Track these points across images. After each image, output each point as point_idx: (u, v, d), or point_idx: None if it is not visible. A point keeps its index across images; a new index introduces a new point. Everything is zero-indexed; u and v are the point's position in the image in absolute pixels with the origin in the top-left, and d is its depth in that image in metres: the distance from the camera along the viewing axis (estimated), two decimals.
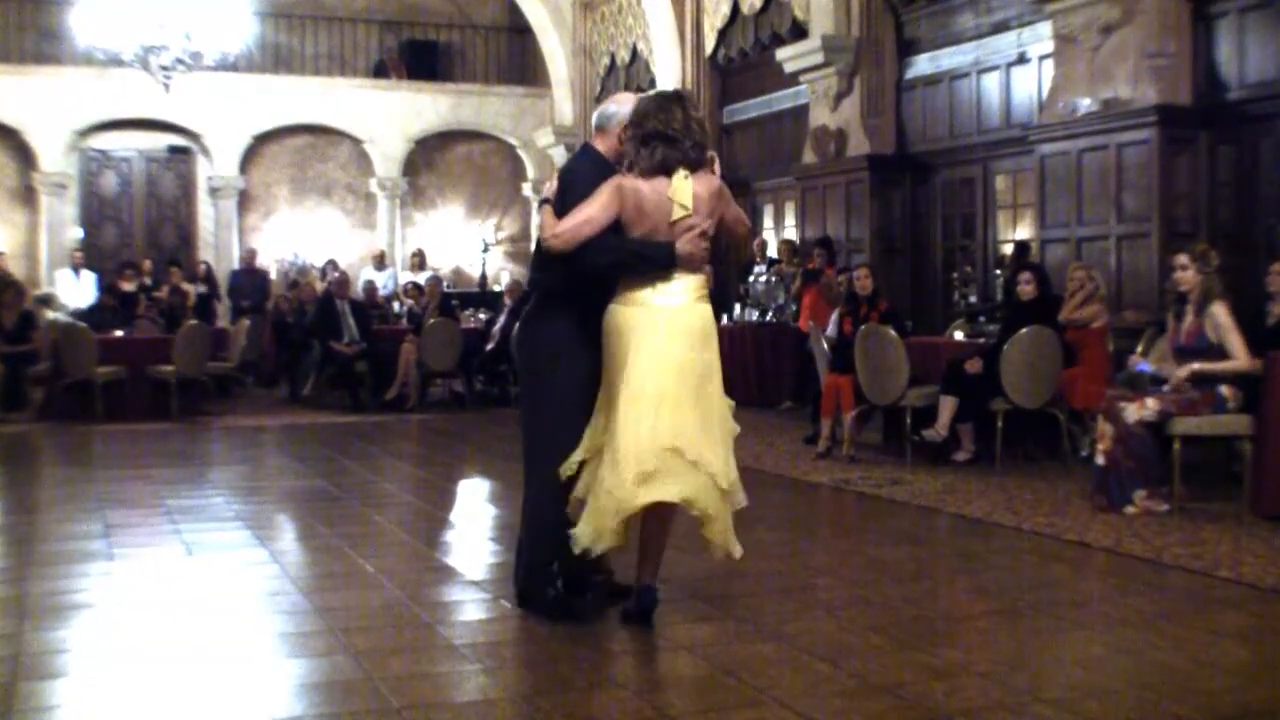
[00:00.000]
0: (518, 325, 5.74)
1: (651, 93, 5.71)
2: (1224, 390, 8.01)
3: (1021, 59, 13.53)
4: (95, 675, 4.82)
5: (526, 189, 24.13)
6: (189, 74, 16.40)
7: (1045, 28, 12.70)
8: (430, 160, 24.08)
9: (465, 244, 23.92)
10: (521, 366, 5.70)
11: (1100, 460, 8.16)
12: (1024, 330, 9.74)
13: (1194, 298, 8.13)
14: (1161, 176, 11.21)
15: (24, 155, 21.55)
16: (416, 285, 18.33)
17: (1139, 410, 8.01)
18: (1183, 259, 8.23)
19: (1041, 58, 13.09)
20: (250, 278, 20.65)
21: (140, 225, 22.74)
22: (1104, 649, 5.16)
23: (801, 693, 4.52)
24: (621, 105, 5.59)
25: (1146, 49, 11.32)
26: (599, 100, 22.01)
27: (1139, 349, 10.06)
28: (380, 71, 23.87)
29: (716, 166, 5.62)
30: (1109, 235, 11.64)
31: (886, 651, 5.06)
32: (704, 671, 4.86)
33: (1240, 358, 7.96)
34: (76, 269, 19.63)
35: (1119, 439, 8.05)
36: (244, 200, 22.93)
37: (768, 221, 18.58)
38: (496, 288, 21.61)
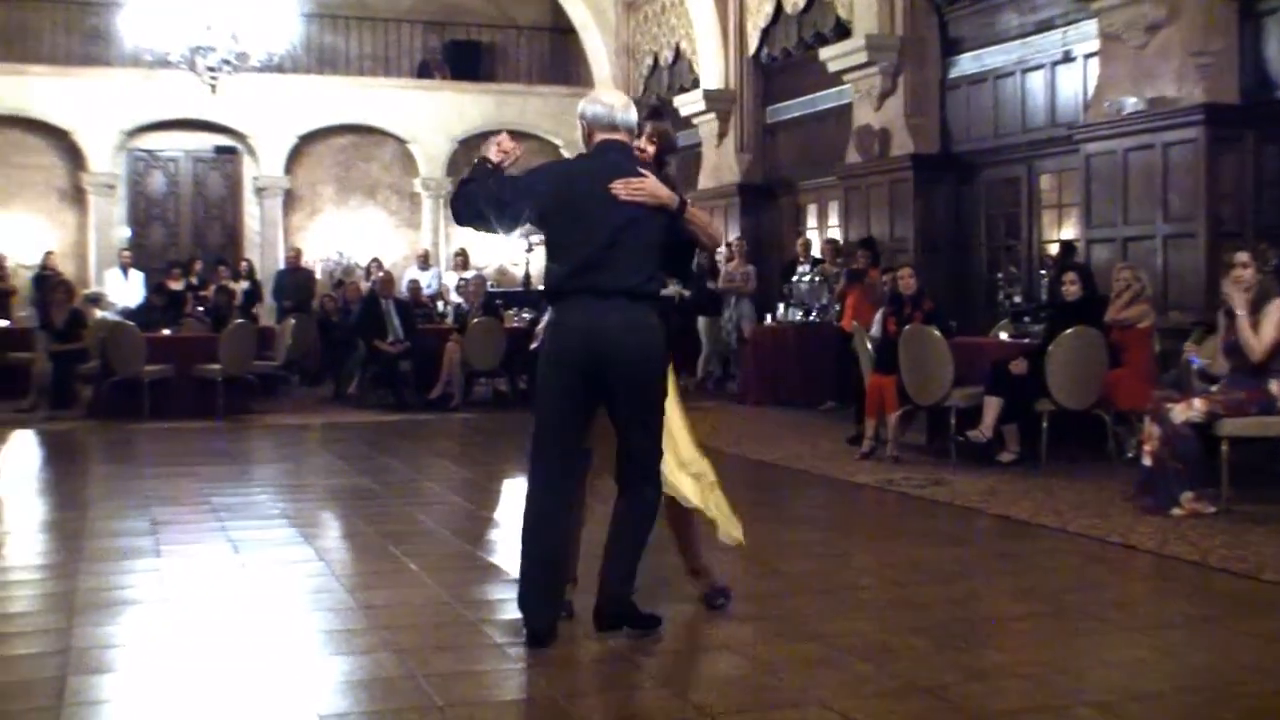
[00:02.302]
0: (625, 323, 5.18)
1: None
2: (1274, 388, 7.95)
3: (1066, 57, 13.44)
4: (143, 670, 4.87)
5: None
6: (235, 74, 16.49)
7: (1090, 26, 12.62)
8: (473, 160, 24.03)
9: (509, 243, 23.97)
10: (656, 374, 5.31)
11: (1146, 461, 8.11)
12: (1069, 331, 9.70)
13: (1250, 296, 8.07)
14: (1208, 176, 11.13)
15: (73, 156, 21.76)
16: (468, 281, 18.37)
17: (1186, 411, 7.96)
18: (1243, 256, 8.16)
19: (1086, 56, 13.01)
20: (295, 277, 20.77)
21: (187, 225, 22.94)
22: (1148, 652, 5.13)
23: (843, 693, 4.52)
24: None
25: (1192, 47, 11.24)
26: (641, 101, 22.06)
27: (1191, 339, 9.99)
28: (424, 72, 23.96)
29: None
30: (1155, 235, 11.56)
31: (928, 652, 5.06)
32: (745, 671, 4.87)
33: (1256, 348, 7.93)
34: (125, 268, 19.81)
35: (1165, 440, 7.99)
36: (289, 200, 23.08)
37: (811, 221, 18.52)
38: (540, 287, 21.61)
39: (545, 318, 5.70)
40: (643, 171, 5.33)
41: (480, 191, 5.35)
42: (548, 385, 5.26)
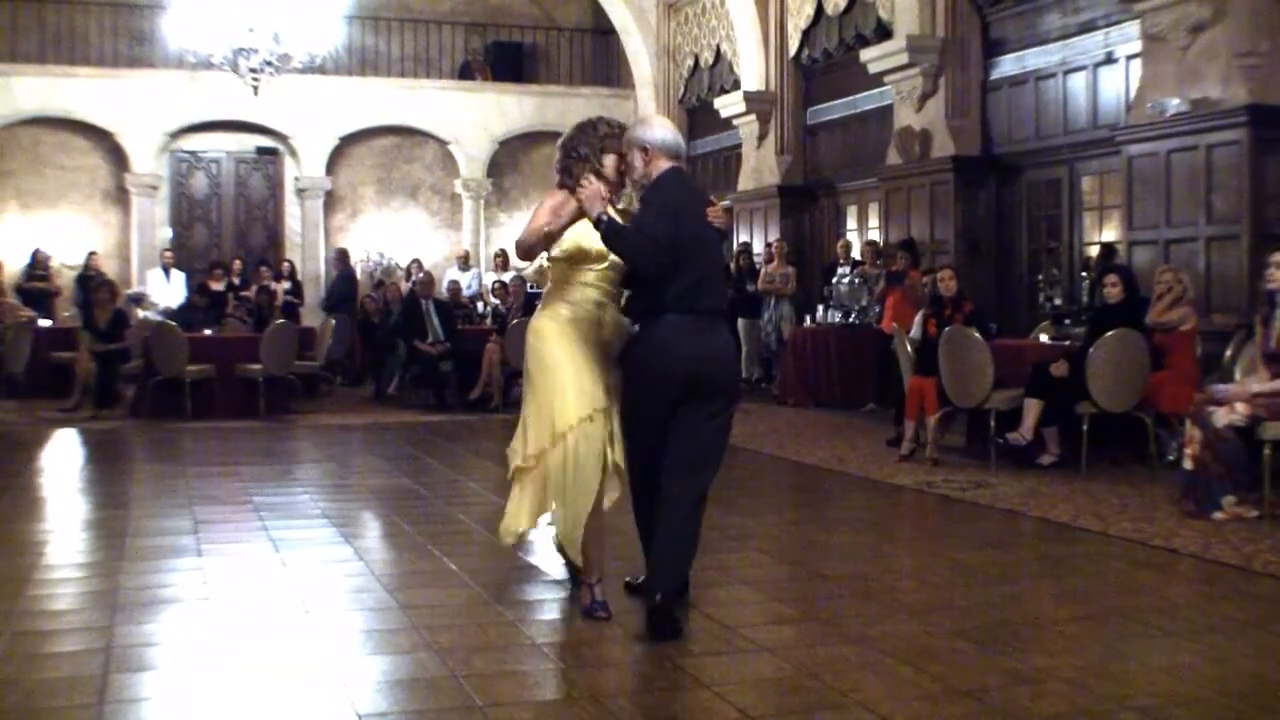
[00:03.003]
0: (723, 345, 5.68)
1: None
2: None
3: (1109, 59, 13.37)
4: (184, 668, 4.90)
5: None
6: (277, 76, 16.59)
7: (1133, 27, 12.55)
8: (514, 161, 24.20)
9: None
10: (736, 382, 5.87)
11: (1188, 465, 8.06)
12: (1110, 333, 9.64)
13: None
14: (1252, 177, 11.04)
15: (117, 157, 21.93)
16: (503, 284, 18.44)
17: (1228, 415, 7.90)
18: (1278, 258, 8.10)
19: (1129, 57, 12.93)
20: (343, 276, 20.93)
21: (229, 225, 23.08)
22: (1192, 656, 5.10)
23: (884, 696, 4.51)
24: None
25: (1238, 48, 11.15)
26: (682, 101, 22.10)
27: (1226, 353, 9.92)
28: (465, 73, 24.03)
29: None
30: (1198, 237, 11.48)
31: (970, 656, 5.04)
32: (786, 673, 4.86)
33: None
34: (167, 269, 19.94)
35: (1207, 444, 7.94)
36: (330, 201, 23.19)
37: (851, 223, 18.50)
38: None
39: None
40: (712, 199, 5.72)
41: (648, 243, 5.43)
42: (647, 396, 5.52)
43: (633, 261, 5.45)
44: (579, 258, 5.64)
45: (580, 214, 5.54)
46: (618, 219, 5.51)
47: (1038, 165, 14.61)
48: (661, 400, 5.47)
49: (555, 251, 5.70)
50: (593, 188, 5.47)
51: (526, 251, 5.82)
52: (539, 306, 5.86)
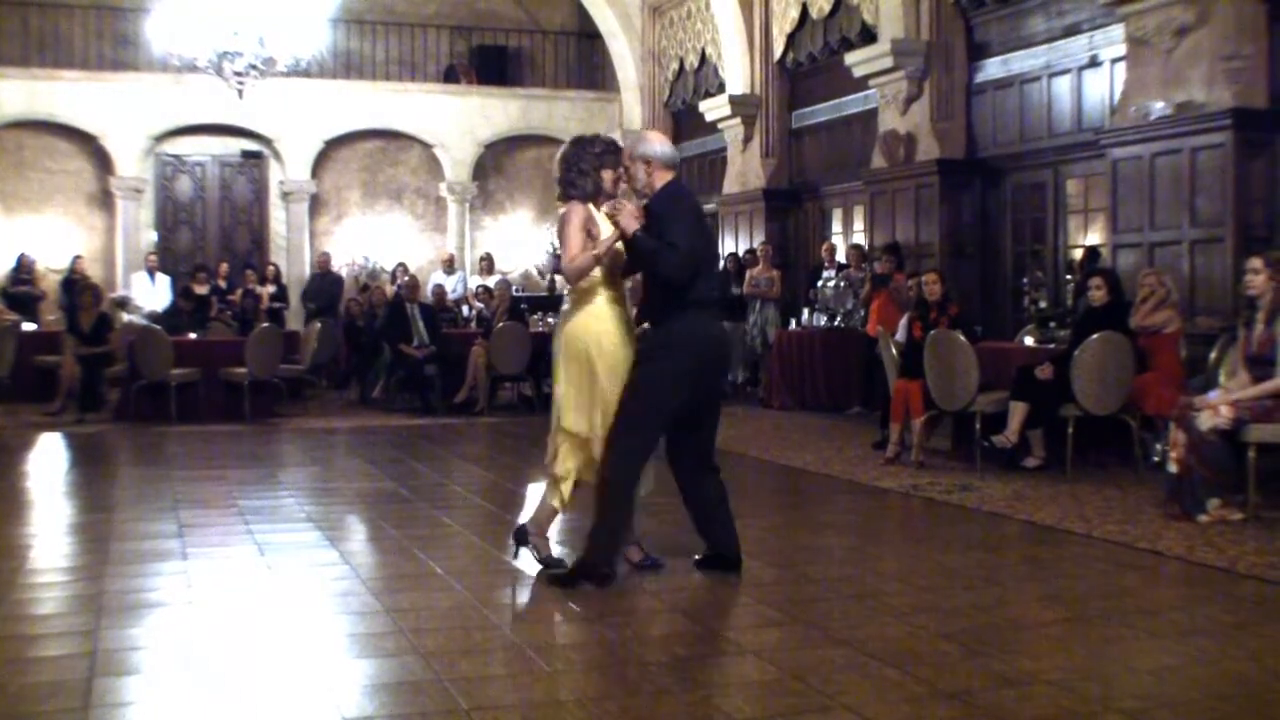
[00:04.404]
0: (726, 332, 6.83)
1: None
2: None
3: (1093, 62, 13.39)
4: (169, 672, 4.88)
5: None
6: (262, 80, 16.54)
7: (1117, 30, 12.57)
8: (499, 164, 24.18)
9: (534, 248, 24.01)
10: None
11: (1173, 468, 8.07)
12: (1095, 336, 9.66)
13: (1265, 305, 8.01)
14: (1236, 180, 11.06)
15: (102, 160, 21.86)
16: (486, 288, 18.42)
17: (1212, 417, 7.91)
18: (1255, 263, 8.12)
19: (1113, 61, 12.96)
20: (323, 281, 20.84)
21: (214, 229, 23.01)
22: (1177, 659, 5.11)
23: (870, 699, 4.51)
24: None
25: (1222, 51, 11.17)
26: (667, 104, 22.12)
27: (1211, 356, 9.94)
28: (450, 76, 24.00)
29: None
30: (1182, 240, 11.51)
31: (956, 658, 5.04)
32: (772, 676, 4.86)
33: None
34: (152, 272, 19.87)
35: (1192, 446, 7.95)
36: (315, 204, 23.15)
37: (836, 226, 18.51)
38: (565, 291, 21.58)
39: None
40: None
41: (679, 257, 6.04)
42: (679, 378, 6.13)
43: (667, 273, 6.06)
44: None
45: (618, 234, 6.07)
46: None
47: (1022, 168, 14.63)
48: (696, 385, 6.18)
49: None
50: (628, 209, 6.06)
51: (578, 276, 6.30)
52: (580, 309, 6.41)
